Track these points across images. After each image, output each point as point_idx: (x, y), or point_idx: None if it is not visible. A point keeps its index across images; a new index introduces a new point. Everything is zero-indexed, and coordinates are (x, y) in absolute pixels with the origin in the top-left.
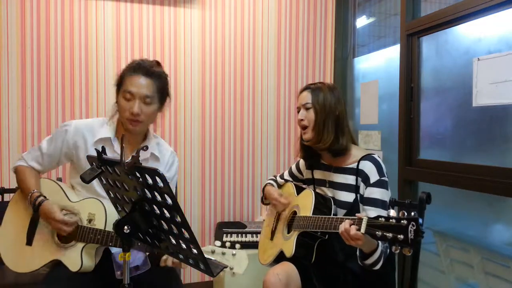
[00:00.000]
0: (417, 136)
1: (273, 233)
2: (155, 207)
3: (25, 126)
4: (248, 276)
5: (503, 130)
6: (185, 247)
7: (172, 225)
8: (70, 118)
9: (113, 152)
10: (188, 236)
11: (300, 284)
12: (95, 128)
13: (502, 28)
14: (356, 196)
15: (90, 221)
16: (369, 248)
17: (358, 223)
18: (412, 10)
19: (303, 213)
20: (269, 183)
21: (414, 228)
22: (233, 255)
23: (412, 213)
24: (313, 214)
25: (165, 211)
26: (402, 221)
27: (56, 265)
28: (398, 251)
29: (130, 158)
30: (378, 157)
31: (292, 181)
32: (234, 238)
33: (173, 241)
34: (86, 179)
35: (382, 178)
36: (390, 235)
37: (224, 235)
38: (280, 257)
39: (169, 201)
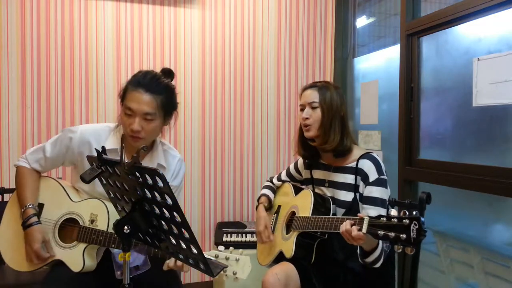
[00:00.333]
0: (417, 136)
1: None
2: (155, 207)
3: (25, 126)
4: (248, 276)
5: (503, 130)
6: (185, 247)
7: (172, 225)
8: (70, 118)
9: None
10: (188, 236)
11: (299, 284)
12: (101, 138)
13: (502, 28)
14: (355, 195)
15: (92, 221)
16: (370, 246)
17: (360, 223)
18: (412, 10)
19: (302, 214)
20: (263, 194)
21: (417, 227)
22: (237, 260)
23: (414, 212)
24: (312, 214)
25: (165, 211)
26: (404, 221)
27: (57, 265)
28: (400, 250)
29: (131, 158)
30: (377, 155)
31: (289, 182)
32: (234, 238)
33: (173, 241)
34: (86, 179)
35: (381, 177)
36: (392, 234)
37: (224, 235)
38: (280, 258)
39: (169, 201)
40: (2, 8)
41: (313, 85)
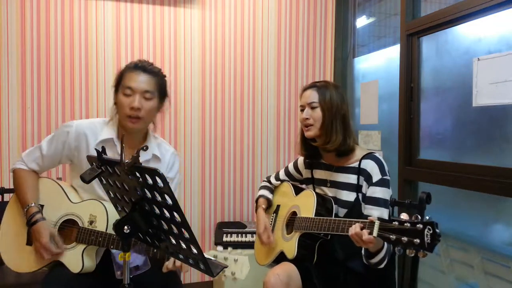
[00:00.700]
0: (417, 136)
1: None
2: (155, 207)
3: (25, 126)
4: (248, 276)
5: (503, 130)
6: (185, 247)
7: (172, 225)
8: (70, 118)
9: (116, 153)
10: (188, 236)
11: (300, 284)
12: (97, 129)
13: (502, 28)
14: (358, 195)
15: (91, 222)
16: (376, 247)
17: (370, 226)
18: (412, 10)
19: (304, 214)
20: (261, 196)
21: (431, 232)
22: (235, 260)
23: (427, 217)
24: (315, 215)
25: (165, 211)
26: (417, 225)
27: (56, 266)
28: (413, 254)
29: (131, 158)
30: (379, 156)
31: (289, 181)
32: (234, 238)
33: (173, 241)
34: (86, 179)
35: (385, 177)
36: (405, 239)
37: (224, 235)
38: (280, 258)
39: (169, 201)
40: (2, 8)
41: (312, 85)
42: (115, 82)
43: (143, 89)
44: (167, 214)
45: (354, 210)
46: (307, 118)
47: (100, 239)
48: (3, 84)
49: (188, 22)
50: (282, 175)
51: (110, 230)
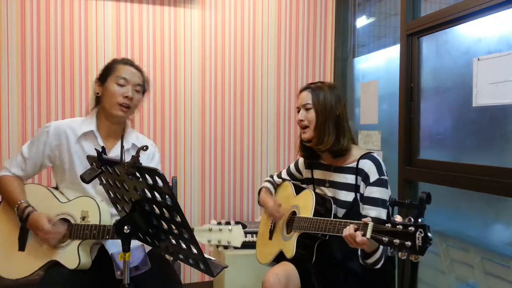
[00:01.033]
0: (417, 136)
1: (271, 232)
2: (155, 207)
3: (25, 126)
4: (248, 276)
5: (503, 130)
6: (185, 247)
7: (172, 225)
8: (70, 118)
9: (97, 145)
10: (188, 236)
11: (299, 284)
12: (76, 125)
13: (502, 28)
14: (356, 196)
15: (83, 218)
16: (371, 248)
17: (364, 228)
18: (412, 10)
19: (303, 214)
20: (265, 186)
21: (422, 235)
22: (230, 230)
23: (419, 220)
24: (314, 215)
25: (165, 211)
26: (409, 228)
27: (52, 267)
28: (405, 257)
29: (131, 158)
30: (377, 155)
31: (290, 181)
32: None
33: (173, 241)
34: (86, 179)
35: (382, 177)
36: (397, 241)
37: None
38: (280, 257)
39: (169, 201)
40: (2, 8)
41: (307, 87)
42: (102, 73)
43: (136, 82)
44: (167, 214)
45: (353, 210)
46: (302, 120)
47: (94, 231)
48: (3, 84)
49: (188, 22)
50: (284, 174)
51: (103, 223)
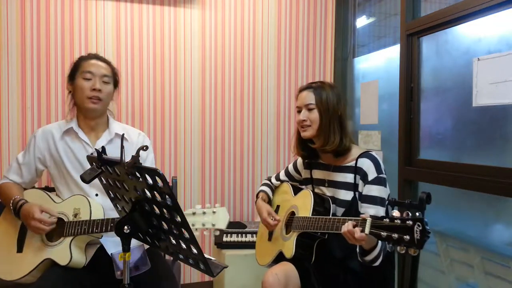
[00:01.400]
0: (417, 136)
1: (270, 233)
2: (155, 207)
3: (25, 126)
4: (248, 276)
5: (503, 130)
6: (185, 247)
7: (172, 225)
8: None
9: (79, 140)
10: (188, 236)
11: (299, 284)
12: (61, 126)
13: (502, 28)
14: (355, 194)
15: (76, 215)
16: (370, 245)
17: (362, 224)
18: (412, 10)
19: (302, 214)
20: (263, 191)
21: (420, 228)
22: (213, 212)
23: (417, 214)
24: (312, 214)
25: (165, 211)
26: (407, 222)
27: (50, 268)
28: (404, 251)
29: (130, 158)
30: (376, 154)
31: (288, 181)
32: (234, 238)
33: (173, 241)
34: (86, 179)
35: (380, 176)
36: (395, 235)
37: (224, 235)
38: (279, 258)
39: (169, 201)
40: (2, 8)
41: (308, 86)
42: (70, 71)
43: (102, 73)
44: (167, 214)
45: (352, 209)
46: (304, 120)
47: (84, 227)
48: (3, 84)
49: (188, 22)
50: (282, 175)
51: (95, 218)
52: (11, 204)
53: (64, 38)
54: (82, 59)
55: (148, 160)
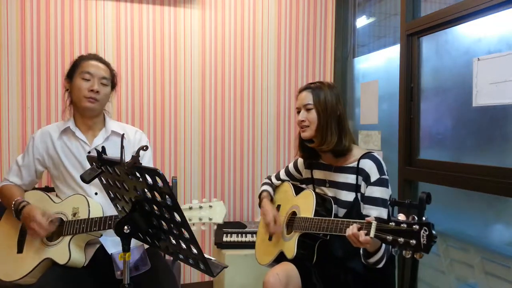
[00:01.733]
0: (417, 136)
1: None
2: (155, 207)
3: (25, 126)
4: (248, 276)
5: (503, 130)
6: (185, 247)
7: (172, 225)
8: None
9: (77, 138)
10: (188, 236)
11: (300, 284)
12: (59, 126)
13: (502, 28)
14: (357, 195)
15: (74, 214)
16: (374, 247)
17: (367, 227)
18: (412, 10)
19: (303, 214)
20: (266, 191)
21: (427, 233)
22: (210, 207)
23: (424, 218)
24: (314, 215)
25: (165, 211)
26: (414, 226)
27: (50, 268)
28: (409, 255)
29: (130, 158)
30: (378, 155)
31: (289, 181)
32: (234, 238)
33: (173, 241)
34: (86, 179)
35: (383, 177)
36: (401, 240)
37: (224, 235)
38: (280, 258)
39: (169, 201)
40: (2, 8)
41: (307, 87)
42: (69, 69)
43: (101, 75)
44: (167, 214)
45: (354, 210)
46: (302, 120)
47: (83, 225)
48: (3, 84)
49: (188, 22)
50: (282, 174)
51: (93, 216)
52: (12, 205)
53: (64, 38)
54: (82, 59)
55: (145, 157)
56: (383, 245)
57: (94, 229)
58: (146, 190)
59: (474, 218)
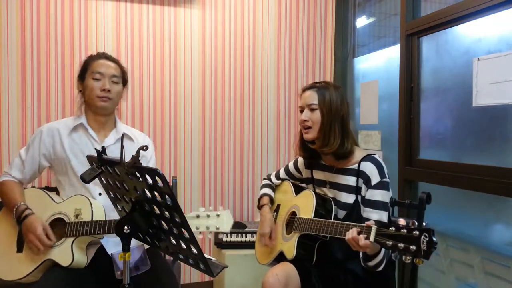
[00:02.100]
0: (417, 136)
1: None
2: (155, 207)
3: (25, 126)
4: (248, 276)
5: (503, 130)
6: (185, 247)
7: (172, 225)
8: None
9: (88, 136)
10: (188, 236)
11: (299, 284)
12: (68, 123)
13: (502, 28)
14: (357, 197)
15: (77, 216)
16: (373, 251)
17: (367, 231)
18: (412, 10)
19: (303, 215)
20: (265, 194)
21: (427, 239)
22: (218, 215)
23: (424, 224)
24: (314, 216)
25: (165, 211)
26: (414, 232)
27: (51, 268)
28: (409, 261)
29: (131, 158)
30: (379, 157)
31: (289, 180)
32: (234, 238)
33: (173, 241)
34: (86, 179)
35: (384, 180)
36: (401, 245)
37: (224, 235)
38: (280, 257)
39: (169, 201)
40: (2, 8)
41: (312, 86)
42: (80, 71)
43: (111, 74)
44: (167, 214)
45: (354, 212)
46: (305, 120)
47: (87, 228)
48: (3, 84)
49: (188, 22)
50: (282, 173)
51: (96, 219)
52: (14, 211)
53: (64, 38)
54: (91, 59)
55: (151, 162)
56: (383, 249)
57: (98, 232)
58: (146, 190)
59: (474, 218)
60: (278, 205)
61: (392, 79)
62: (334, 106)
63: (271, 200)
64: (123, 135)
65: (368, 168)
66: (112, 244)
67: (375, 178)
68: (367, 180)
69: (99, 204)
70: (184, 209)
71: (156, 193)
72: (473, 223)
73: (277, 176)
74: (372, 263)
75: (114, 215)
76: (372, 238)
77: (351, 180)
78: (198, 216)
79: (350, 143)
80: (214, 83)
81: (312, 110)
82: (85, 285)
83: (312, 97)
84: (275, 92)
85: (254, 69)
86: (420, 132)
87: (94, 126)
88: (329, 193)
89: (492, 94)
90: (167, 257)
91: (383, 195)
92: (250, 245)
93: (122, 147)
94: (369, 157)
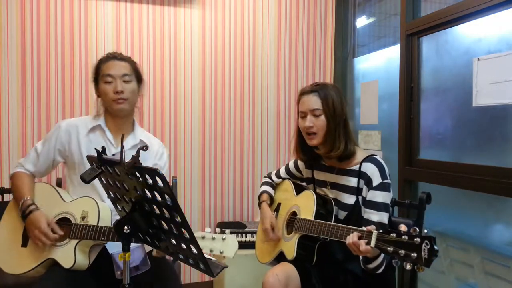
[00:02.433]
0: (417, 136)
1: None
2: (155, 207)
3: (25, 126)
4: (248, 276)
5: (503, 130)
6: (185, 247)
7: (172, 225)
8: (70, 118)
9: (105, 138)
10: (188, 236)
11: (299, 284)
12: (86, 122)
13: (502, 28)
14: (358, 199)
15: (83, 218)
16: (373, 254)
17: (368, 236)
18: (412, 10)
19: (304, 215)
20: (265, 191)
21: (428, 247)
22: (223, 239)
23: (425, 230)
24: (315, 217)
25: (165, 211)
26: (415, 239)
27: (52, 266)
28: (410, 268)
29: (131, 158)
30: (380, 158)
31: (289, 179)
32: None
33: (173, 241)
34: (86, 179)
35: (385, 181)
36: (402, 252)
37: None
38: (280, 257)
39: (169, 201)
40: (2, 8)
41: (312, 90)
42: (94, 75)
43: (121, 73)
44: (167, 214)
45: (354, 213)
46: (310, 127)
47: (91, 232)
48: (3, 84)
49: (188, 22)
50: (283, 172)
51: (102, 224)
52: (20, 205)
53: (64, 38)
54: (101, 62)
55: (164, 170)
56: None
57: (102, 239)
58: (146, 190)
59: (474, 218)
60: (279, 204)
61: (392, 79)
62: (338, 109)
63: (271, 198)
64: (123, 135)
65: (370, 169)
66: (112, 244)
67: (376, 179)
68: (368, 181)
69: (107, 207)
70: (184, 210)
71: (156, 193)
72: (473, 223)
73: (278, 175)
74: (371, 266)
75: None
76: (373, 243)
77: (352, 181)
78: (203, 237)
79: (352, 144)
80: (214, 83)
81: (317, 116)
82: (85, 285)
83: (314, 101)
84: (275, 92)
85: (254, 69)
86: (420, 132)
87: (112, 128)
88: (330, 193)
89: (492, 94)
90: (167, 257)
91: (384, 197)
92: (250, 245)
93: (122, 147)
94: (370, 158)
